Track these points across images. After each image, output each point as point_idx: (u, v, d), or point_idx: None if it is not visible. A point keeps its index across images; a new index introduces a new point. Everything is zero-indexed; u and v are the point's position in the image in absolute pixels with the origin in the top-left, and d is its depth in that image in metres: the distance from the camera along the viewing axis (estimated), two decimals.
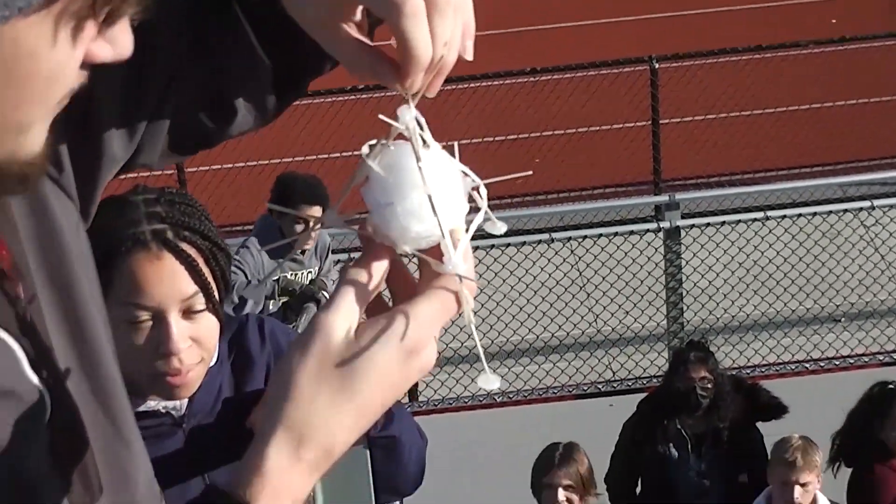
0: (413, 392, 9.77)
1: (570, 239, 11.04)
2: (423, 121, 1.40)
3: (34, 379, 1.39)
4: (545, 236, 10.77)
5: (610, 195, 13.06)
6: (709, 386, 7.73)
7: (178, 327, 2.62)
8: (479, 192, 1.44)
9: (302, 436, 1.35)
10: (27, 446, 1.37)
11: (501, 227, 1.48)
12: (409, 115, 1.39)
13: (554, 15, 18.14)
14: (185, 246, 2.60)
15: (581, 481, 6.82)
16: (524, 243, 10.86)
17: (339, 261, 10.15)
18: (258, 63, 1.62)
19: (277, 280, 8.19)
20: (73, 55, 1.24)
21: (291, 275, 8.34)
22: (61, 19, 1.21)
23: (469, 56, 1.43)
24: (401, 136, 1.40)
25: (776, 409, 7.87)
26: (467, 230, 1.42)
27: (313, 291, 8.28)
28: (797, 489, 6.99)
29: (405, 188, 1.37)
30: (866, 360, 10.80)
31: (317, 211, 7.94)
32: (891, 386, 7.72)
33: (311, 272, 8.49)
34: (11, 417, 1.36)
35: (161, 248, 2.59)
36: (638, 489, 7.96)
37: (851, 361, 10.84)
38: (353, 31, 1.44)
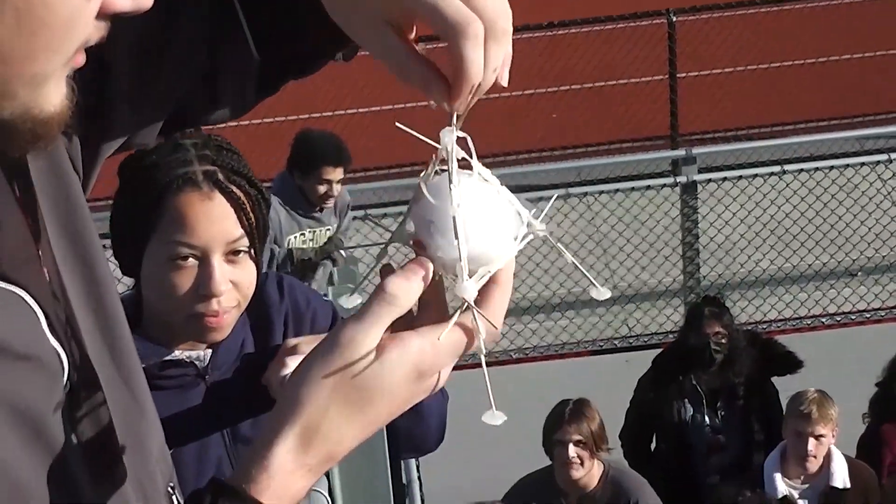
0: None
1: (586, 194, 11.04)
2: (472, 148, 1.40)
3: (54, 342, 1.40)
4: (562, 192, 10.77)
5: (626, 150, 13.05)
6: (723, 341, 7.75)
7: (221, 269, 2.63)
8: (528, 225, 1.44)
9: (310, 441, 1.37)
10: (49, 411, 1.38)
11: (605, 293, 1.49)
12: (448, 138, 1.39)
13: None
14: (234, 189, 2.63)
15: (592, 437, 6.85)
16: (540, 198, 10.81)
17: (355, 217, 10.19)
18: (249, 58, 1.63)
19: (290, 252, 8.19)
20: (88, 4, 1.24)
21: (310, 232, 8.34)
22: None
23: (506, 83, 1.45)
24: (464, 163, 1.40)
25: (791, 364, 7.88)
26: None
27: (329, 250, 8.29)
28: (811, 441, 7.02)
29: (442, 209, 1.38)
30: (882, 314, 10.82)
31: (339, 173, 7.95)
32: None
33: (329, 229, 8.50)
34: (34, 382, 1.37)
35: (212, 188, 2.61)
36: (653, 445, 7.99)
37: (868, 316, 10.87)
38: (408, 44, 1.46)
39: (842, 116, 13.42)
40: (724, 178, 10.98)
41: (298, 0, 1.59)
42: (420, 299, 1.43)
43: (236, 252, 2.65)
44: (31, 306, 1.39)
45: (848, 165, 11.02)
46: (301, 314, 2.92)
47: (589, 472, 6.91)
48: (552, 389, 6.63)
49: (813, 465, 7.07)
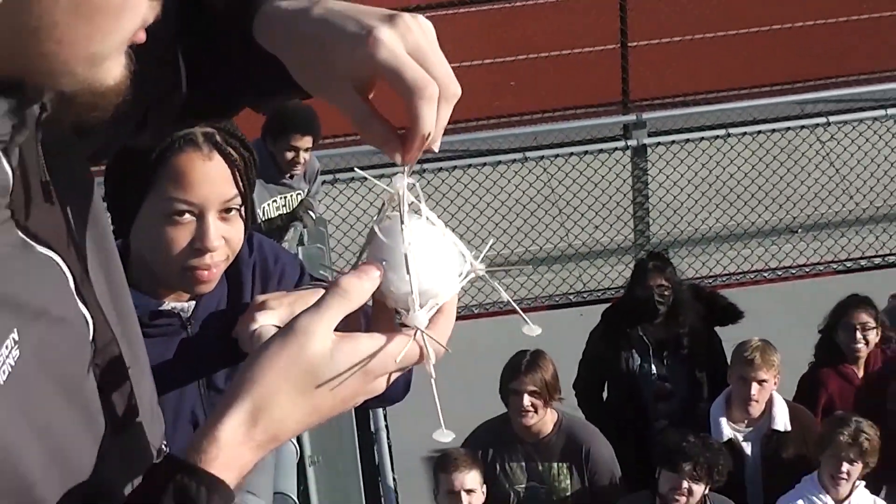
0: None
1: (542, 157, 11.05)
2: (420, 192, 1.48)
3: (81, 305, 1.44)
4: (519, 155, 10.79)
5: (580, 115, 13.04)
6: (666, 293, 7.77)
7: (216, 226, 2.65)
8: (471, 266, 1.50)
9: (257, 419, 1.39)
10: (84, 372, 1.42)
11: (536, 330, 1.55)
12: (400, 184, 1.47)
13: None
14: (230, 150, 2.66)
15: (546, 387, 6.87)
16: (499, 162, 10.87)
17: (324, 181, 10.20)
18: (178, 91, 1.67)
19: (261, 221, 8.20)
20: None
21: (281, 198, 8.34)
22: None
23: (436, 148, 1.50)
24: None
25: (732, 314, 7.92)
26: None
27: (298, 212, 8.32)
28: (755, 386, 7.06)
29: (395, 249, 1.44)
30: (821, 268, 10.89)
31: (307, 141, 7.99)
32: (854, 295, 7.83)
33: (299, 193, 8.51)
34: (69, 344, 1.42)
35: (212, 149, 2.63)
36: (604, 394, 8.03)
37: (807, 270, 10.93)
38: (368, 104, 1.51)
39: (783, 82, 13.45)
40: (673, 142, 11.01)
41: (232, 45, 1.61)
42: (372, 315, 1.48)
43: (229, 210, 2.68)
44: (63, 271, 1.43)
45: (789, 128, 11.05)
46: (269, 271, 2.93)
47: (543, 420, 6.93)
48: (511, 341, 6.64)
49: (756, 409, 7.11)
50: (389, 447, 7.16)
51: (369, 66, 1.47)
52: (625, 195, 11.06)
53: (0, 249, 1.34)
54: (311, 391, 1.40)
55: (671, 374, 7.73)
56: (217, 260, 2.68)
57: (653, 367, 7.77)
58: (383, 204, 1.48)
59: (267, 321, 2.59)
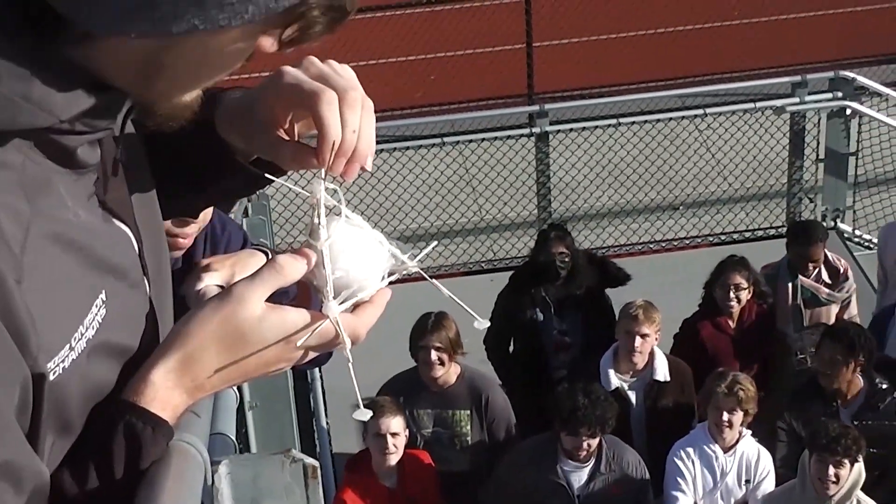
0: None
1: (458, 142, 11.03)
2: (341, 196, 1.46)
3: (143, 273, 1.46)
4: (437, 140, 10.78)
5: (492, 106, 13.04)
6: (566, 259, 7.84)
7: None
8: (395, 258, 1.49)
9: (186, 366, 1.38)
10: (139, 334, 1.43)
11: (485, 324, 1.56)
12: (318, 187, 1.45)
13: None
14: None
15: (450, 343, 6.87)
16: (420, 146, 10.86)
17: None
18: None
19: None
20: (247, 52, 1.31)
21: None
22: (254, 36, 1.28)
23: (369, 167, 1.50)
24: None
25: (621, 277, 8.02)
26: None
27: None
28: (638, 339, 7.10)
29: (315, 248, 1.44)
30: (698, 241, 10.96)
31: None
32: (732, 256, 7.94)
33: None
34: (138, 308, 1.44)
35: None
36: (510, 349, 8.07)
37: (687, 242, 11.00)
38: (282, 134, 1.52)
39: (667, 78, 13.53)
40: (571, 129, 11.01)
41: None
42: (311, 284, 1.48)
43: None
44: (133, 244, 1.45)
45: (671, 118, 11.11)
46: (217, 237, 2.91)
47: (447, 372, 6.93)
48: (429, 304, 6.64)
49: (639, 360, 7.15)
50: (323, 393, 7.15)
51: (279, 99, 1.47)
52: (529, 175, 11.07)
53: (94, 220, 1.36)
54: (237, 351, 1.40)
55: (569, 329, 7.78)
56: (194, 229, 2.66)
57: (553, 321, 7.82)
58: (310, 208, 1.47)
59: (211, 282, 2.56)
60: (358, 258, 1.46)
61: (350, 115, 1.45)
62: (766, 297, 7.92)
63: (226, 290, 1.41)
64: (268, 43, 1.32)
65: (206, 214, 2.71)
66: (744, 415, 6.73)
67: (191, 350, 1.38)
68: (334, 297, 1.44)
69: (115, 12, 1.19)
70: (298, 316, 1.42)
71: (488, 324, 1.56)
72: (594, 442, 6.52)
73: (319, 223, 1.44)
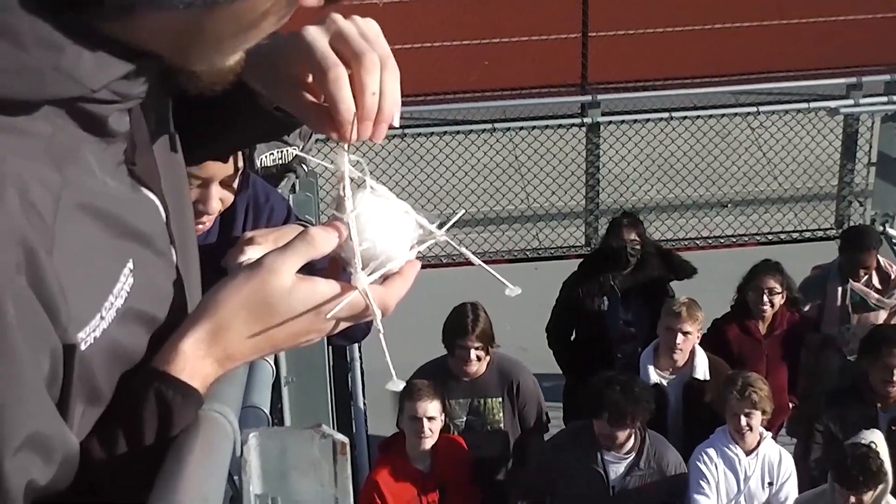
0: None
1: (508, 129, 11.01)
2: (365, 167, 1.45)
3: (170, 242, 1.46)
4: (488, 126, 10.76)
5: (544, 94, 13.00)
6: (637, 247, 7.81)
7: (217, 193, 2.65)
8: (423, 228, 1.48)
9: (216, 336, 1.38)
10: (166, 303, 1.43)
11: (516, 291, 1.53)
12: (342, 160, 1.44)
13: None
14: None
15: (487, 338, 6.85)
16: (471, 131, 10.85)
17: (317, 139, 10.14)
18: None
19: (258, 168, 8.12)
20: (288, 16, 1.32)
21: (278, 152, 8.26)
22: (292, 2, 1.29)
23: (396, 123, 1.49)
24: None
25: (688, 270, 7.97)
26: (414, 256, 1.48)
27: (292, 164, 8.25)
28: (679, 336, 7.06)
29: (345, 220, 1.43)
30: (746, 239, 10.90)
31: None
32: (767, 260, 7.87)
33: (294, 148, 8.44)
34: (163, 276, 1.43)
35: None
36: (572, 336, 8.01)
37: (734, 240, 10.94)
38: (309, 97, 1.51)
39: (720, 74, 13.45)
40: (623, 121, 10.98)
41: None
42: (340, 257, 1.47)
43: (228, 182, 2.68)
44: (160, 212, 1.45)
45: (724, 115, 11.04)
46: (260, 207, 2.91)
47: (481, 364, 6.91)
48: (474, 290, 6.62)
49: (680, 357, 7.11)
50: (362, 374, 7.16)
51: (298, 60, 1.47)
52: (579, 166, 11.03)
53: (122, 188, 1.36)
54: (266, 321, 1.39)
55: (635, 319, 7.73)
56: (211, 216, 2.66)
57: (619, 310, 7.79)
58: (338, 181, 1.46)
59: (253, 255, 2.56)
60: (385, 229, 1.45)
61: (368, 79, 1.44)
62: (798, 305, 7.86)
63: (257, 261, 1.40)
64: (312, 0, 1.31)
65: (229, 199, 2.71)
66: (761, 414, 6.66)
67: (221, 319, 1.38)
68: (362, 269, 1.43)
69: None
70: (328, 287, 1.41)
71: (519, 290, 1.54)
72: (622, 434, 6.46)
73: (345, 195, 1.43)
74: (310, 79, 1.49)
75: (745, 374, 6.83)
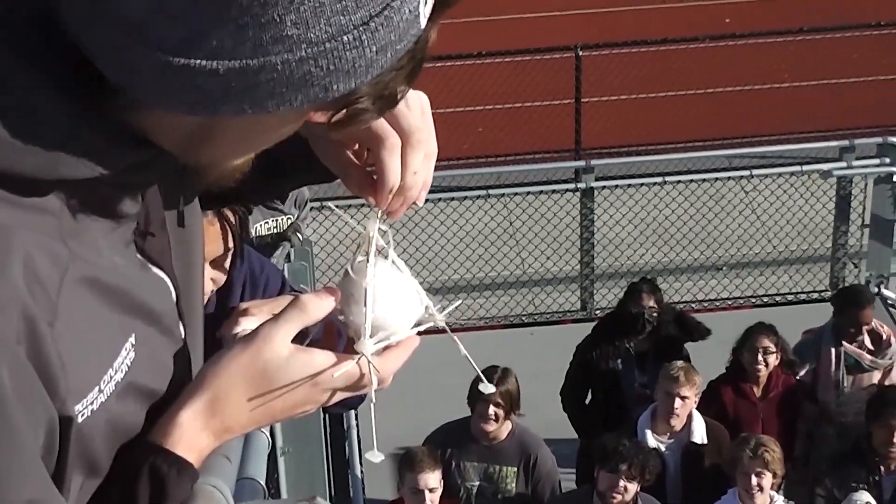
0: None
1: (503, 195, 11.06)
2: (391, 238, 1.46)
3: (180, 322, 1.46)
4: (482, 192, 10.80)
5: (538, 160, 13.08)
6: (655, 314, 7.83)
7: (208, 274, 2.62)
8: (427, 311, 1.47)
9: (213, 408, 1.38)
10: (167, 381, 1.42)
11: (490, 388, 1.59)
12: (371, 226, 1.45)
13: (497, 7, 18.08)
14: (228, 213, 2.61)
15: (510, 399, 6.87)
16: (465, 198, 10.89)
17: (312, 208, 10.16)
18: None
19: (253, 237, 8.13)
20: (296, 128, 1.32)
21: (273, 221, 8.26)
22: (305, 114, 1.29)
23: (420, 203, 1.51)
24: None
25: (702, 331, 7.99)
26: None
27: (286, 233, 8.25)
28: (678, 400, 7.05)
29: (359, 283, 1.42)
30: (741, 302, 10.91)
31: None
32: (761, 322, 7.87)
33: (289, 217, 8.44)
34: (166, 354, 1.42)
35: (214, 215, 2.58)
36: (587, 399, 8.00)
37: (730, 303, 10.94)
38: (351, 158, 1.52)
39: (713, 138, 13.51)
40: (617, 186, 11.05)
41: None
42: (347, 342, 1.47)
43: (219, 262, 2.67)
44: (170, 290, 1.45)
45: (717, 179, 11.12)
46: (256, 278, 2.91)
47: (500, 428, 6.92)
48: (475, 354, 6.60)
49: (678, 422, 7.09)
50: (359, 441, 7.13)
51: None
52: (573, 231, 11.06)
53: (130, 266, 1.36)
54: (264, 392, 1.39)
55: (650, 381, 7.69)
56: (206, 294, 2.66)
57: (635, 373, 7.79)
58: (357, 245, 1.46)
59: (248, 326, 2.55)
60: (395, 302, 1.45)
61: (412, 158, 1.47)
62: (794, 367, 7.85)
63: (252, 332, 1.40)
64: (318, 115, 1.33)
65: (221, 279, 2.71)
66: (772, 476, 6.63)
67: (218, 391, 1.38)
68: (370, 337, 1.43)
69: (164, 90, 1.20)
70: (325, 357, 1.41)
71: (493, 389, 1.55)
72: (631, 487, 6.44)
73: (368, 261, 1.43)
74: (355, 143, 1.51)
75: (758, 435, 6.83)
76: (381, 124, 1.44)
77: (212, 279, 2.66)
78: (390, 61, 1.24)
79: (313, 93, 1.21)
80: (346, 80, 1.22)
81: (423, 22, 1.26)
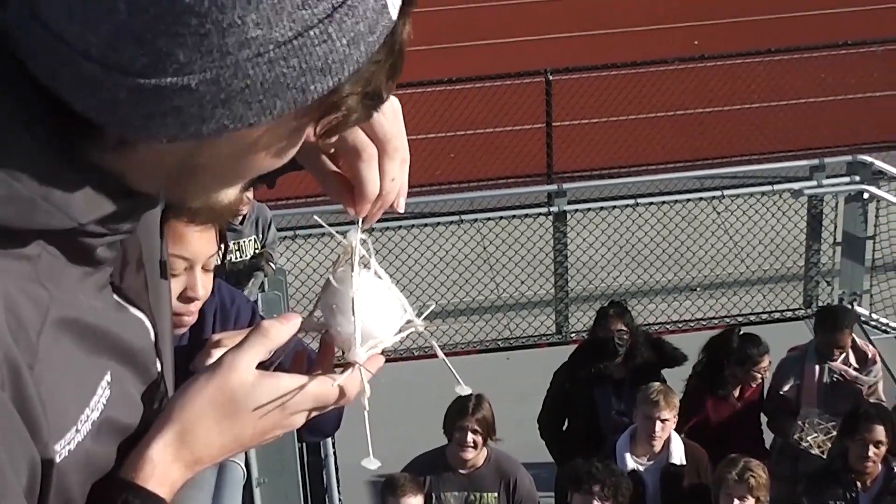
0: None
1: (476, 220, 11.06)
2: (371, 247, 1.47)
3: (157, 360, 1.45)
4: (455, 218, 10.80)
5: (510, 184, 13.09)
6: (625, 337, 7.80)
7: (202, 277, 2.65)
8: (410, 321, 1.49)
9: (184, 439, 1.36)
10: (147, 412, 1.41)
11: (467, 390, 1.55)
12: (353, 236, 1.46)
13: (468, 34, 18.13)
14: None
15: (487, 426, 6.86)
16: (438, 223, 10.88)
17: (285, 237, 10.13)
18: None
19: (224, 262, 8.12)
20: (285, 152, 1.29)
21: (234, 244, 8.21)
22: (289, 130, 1.26)
23: (401, 209, 1.51)
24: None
25: (678, 358, 7.97)
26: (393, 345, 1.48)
27: (259, 262, 8.22)
28: (658, 423, 7.05)
29: (345, 294, 1.43)
30: (716, 322, 10.91)
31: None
32: (739, 330, 7.94)
33: (251, 240, 8.38)
34: (140, 390, 1.41)
35: None
36: (564, 427, 7.98)
37: (704, 323, 10.94)
38: (330, 165, 1.51)
39: (684, 160, 13.56)
40: (589, 209, 11.05)
41: None
42: (317, 359, 1.47)
43: (208, 265, 2.67)
44: (149, 329, 1.44)
45: (689, 200, 11.14)
46: (227, 310, 2.91)
47: (477, 455, 6.91)
48: (446, 382, 6.59)
49: (657, 444, 7.10)
50: (337, 470, 7.09)
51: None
52: (547, 254, 11.07)
53: (106, 308, 1.36)
54: (232, 419, 1.37)
55: (628, 408, 7.66)
56: (198, 306, 2.66)
57: (612, 401, 7.76)
58: (338, 256, 1.47)
59: None
60: (380, 311, 1.45)
61: (390, 166, 1.46)
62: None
63: (216, 361, 1.39)
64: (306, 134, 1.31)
65: (207, 290, 2.70)
66: (755, 502, 6.62)
67: (186, 422, 1.36)
68: (359, 346, 1.43)
69: (143, 118, 1.18)
70: (291, 380, 1.40)
71: (469, 390, 1.55)
72: None
73: (353, 271, 1.44)
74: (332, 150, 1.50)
75: (746, 458, 6.82)
76: (357, 134, 1.44)
77: (204, 287, 2.67)
78: (364, 55, 1.21)
79: (291, 96, 1.19)
80: (322, 78, 1.20)
81: (394, 13, 1.23)
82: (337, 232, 1.51)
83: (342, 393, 1.43)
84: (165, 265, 1.55)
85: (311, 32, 1.18)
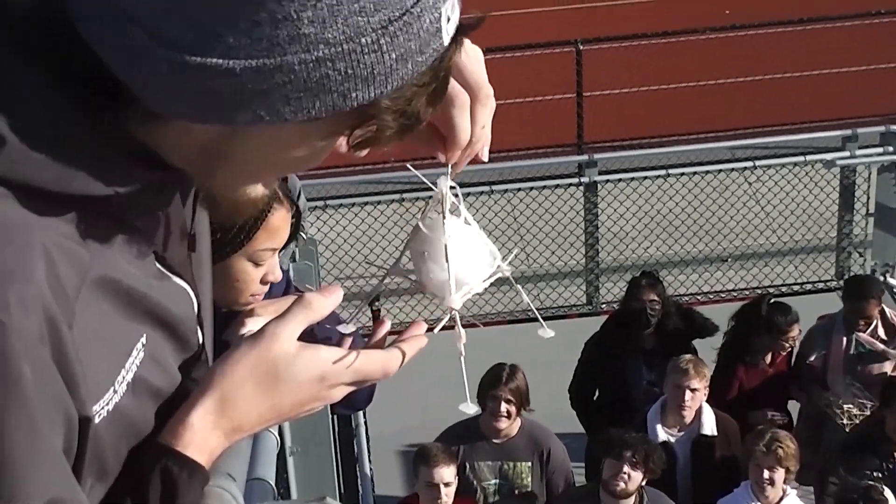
0: (378, 314, 9.81)
1: (506, 191, 11.04)
2: (460, 194, 1.47)
3: (198, 329, 1.46)
4: (486, 188, 10.78)
5: (541, 154, 13.06)
6: (657, 307, 7.79)
7: (271, 266, 2.68)
8: (500, 266, 1.50)
9: (224, 408, 1.36)
10: (190, 383, 1.42)
11: (549, 333, 1.59)
12: (444, 184, 1.45)
13: (497, 3, 18.04)
14: (289, 199, 2.66)
15: (520, 396, 6.86)
16: (469, 194, 10.82)
17: (315, 207, 10.15)
18: None
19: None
20: (312, 158, 1.30)
21: None
22: (321, 135, 1.26)
23: (485, 158, 1.52)
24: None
25: (710, 328, 7.95)
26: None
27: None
28: (688, 393, 7.03)
29: (435, 241, 1.43)
30: (747, 293, 10.87)
31: None
32: (769, 299, 7.91)
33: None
34: (175, 357, 1.42)
35: (288, 202, 2.63)
36: (595, 396, 7.97)
37: (735, 294, 10.93)
38: None
39: (716, 130, 13.49)
40: (620, 179, 11.02)
41: None
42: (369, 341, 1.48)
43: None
44: (192, 299, 1.45)
45: (721, 170, 11.08)
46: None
47: (511, 424, 6.92)
48: (480, 350, 6.58)
49: (688, 415, 7.08)
50: (368, 439, 7.12)
51: None
52: (578, 225, 11.05)
53: (149, 276, 1.37)
54: (272, 389, 1.38)
55: (658, 379, 7.65)
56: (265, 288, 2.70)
57: (643, 371, 7.76)
58: (426, 204, 1.47)
59: (255, 327, 2.55)
60: (470, 257, 1.46)
61: (481, 112, 1.47)
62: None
63: (259, 331, 1.39)
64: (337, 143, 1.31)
65: (278, 272, 2.72)
66: (785, 472, 6.61)
67: (227, 391, 1.37)
68: (453, 292, 1.44)
69: (179, 93, 1.18)
70: (331, 352, 1.40)
71: (552, 333, 1.54)
72: (635, 475, 6.40)
73: (444, 218, 1.44)
74: None
75: (774, 430, 6.82)
76: (450, 84, 1.41)
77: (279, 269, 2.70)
78: (411, 73, 1.21)
79: (331, 99, 1.19)
80: (364, 87, 1.19)
81: (446, 39, 1.23)
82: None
83: (383, 368, 1.42)
84: (195, 238, 1.55)
85: (363, 40, 1.17)
